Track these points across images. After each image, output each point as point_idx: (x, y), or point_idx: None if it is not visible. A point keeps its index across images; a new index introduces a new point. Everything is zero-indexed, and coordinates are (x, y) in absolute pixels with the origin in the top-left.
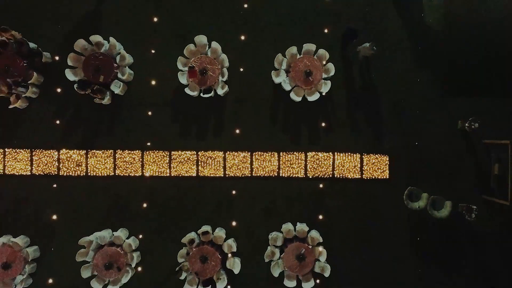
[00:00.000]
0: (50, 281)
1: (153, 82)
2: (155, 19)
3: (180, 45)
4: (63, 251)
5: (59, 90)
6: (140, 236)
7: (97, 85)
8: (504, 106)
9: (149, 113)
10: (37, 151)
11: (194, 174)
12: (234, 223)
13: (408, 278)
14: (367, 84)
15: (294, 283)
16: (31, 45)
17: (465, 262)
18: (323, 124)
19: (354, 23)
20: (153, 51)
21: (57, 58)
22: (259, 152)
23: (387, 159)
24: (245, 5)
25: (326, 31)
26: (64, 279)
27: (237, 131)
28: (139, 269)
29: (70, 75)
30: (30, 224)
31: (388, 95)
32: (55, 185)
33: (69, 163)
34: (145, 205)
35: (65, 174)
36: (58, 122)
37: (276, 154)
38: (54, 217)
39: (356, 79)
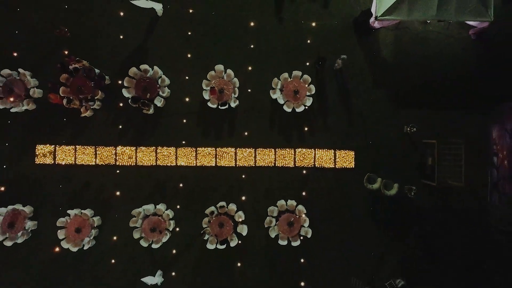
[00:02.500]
0: (114, 238)
1: (186, 99)
2: (189, 55)
3: (204, 71)
4: (120, 219)
5: (121, 104)
6: (178, 206)
7: (144, 100)
8: (434, 117)
9: (184, 120)
10: (100, 147)
11: (214, 165)
12: (243, 198)
13: (366, 235)
14: (339, 99)
15: (285, 242)
16: (97, 71)
17: (407, 226)
18: (306, 129)
19: (325, 54)
20: (187, 78)
21: (120, 82)
22: (261, 148)
23: (353, 154)
24: (252, 46)
25: (308, 63)
26: (121, 239)
27: (245, 133)
28: (177, 229)
29: (125, 93)
30: (94, 200)
31: (354, 107)
32: (118, 171)
33: (123, 156)
34: (181, 185)
35: (120, 164)
36: (120, 127)
37: (273, 150)
38: (117, 193)
39: (331, 96)
